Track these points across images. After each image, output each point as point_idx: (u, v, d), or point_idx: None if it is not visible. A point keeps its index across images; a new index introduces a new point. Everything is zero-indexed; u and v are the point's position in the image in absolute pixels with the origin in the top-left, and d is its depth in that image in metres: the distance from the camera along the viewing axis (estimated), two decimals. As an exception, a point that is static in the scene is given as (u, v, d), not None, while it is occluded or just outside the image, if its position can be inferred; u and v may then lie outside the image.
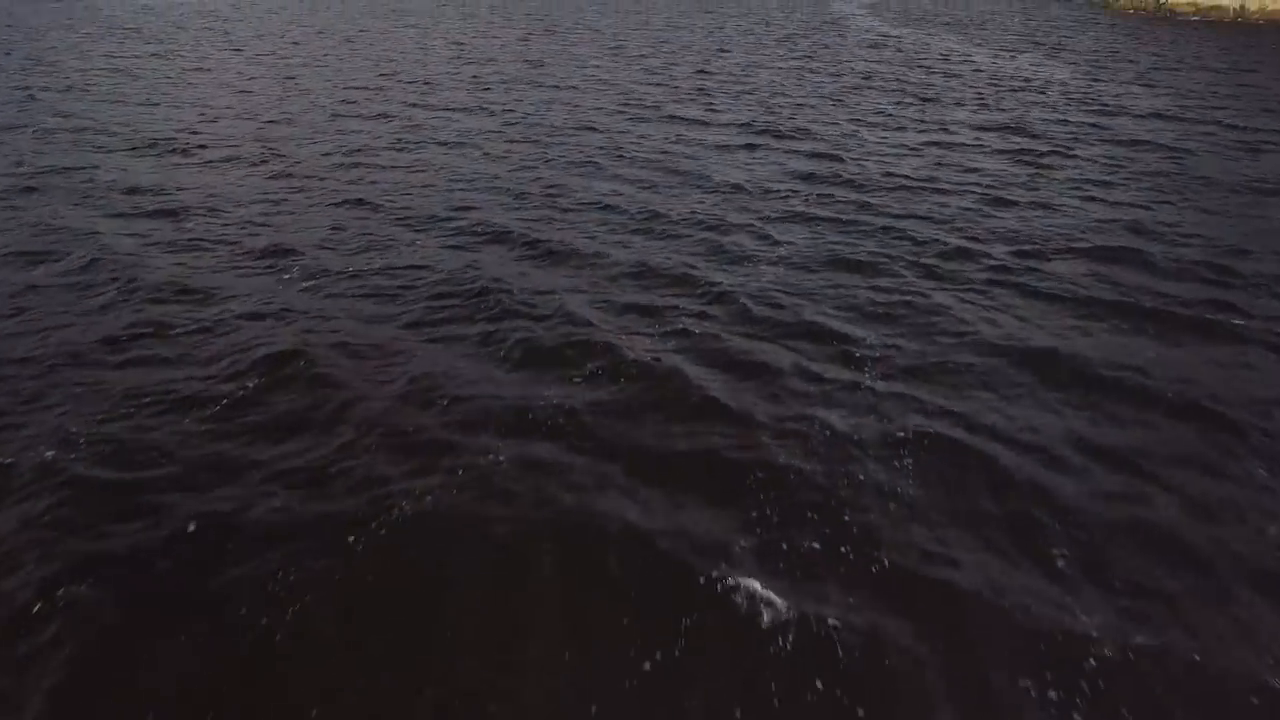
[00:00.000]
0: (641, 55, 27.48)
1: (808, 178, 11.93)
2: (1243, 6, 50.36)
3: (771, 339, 6.78)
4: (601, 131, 14.75)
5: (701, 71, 23.26)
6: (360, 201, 10.48)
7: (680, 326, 6.90)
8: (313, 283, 7.83)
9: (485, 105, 17.55)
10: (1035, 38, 34.89)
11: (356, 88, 19.75)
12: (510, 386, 5.92)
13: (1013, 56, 27.64)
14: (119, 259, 8.25)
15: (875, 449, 5.21)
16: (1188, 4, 54.68)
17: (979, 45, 31.75)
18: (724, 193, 11.09)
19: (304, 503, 4.64)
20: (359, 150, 13.33)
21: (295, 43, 30.39)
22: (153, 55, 26.02)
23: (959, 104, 18.02)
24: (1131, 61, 26.57)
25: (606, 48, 30.09)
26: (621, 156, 12.99)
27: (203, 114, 16.29)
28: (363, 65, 24.01)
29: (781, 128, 15.38)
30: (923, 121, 16.09)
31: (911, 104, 18.08)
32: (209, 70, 22.73)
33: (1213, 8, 51.82)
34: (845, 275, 8.18)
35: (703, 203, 10.56)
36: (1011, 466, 5.06)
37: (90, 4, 51.08)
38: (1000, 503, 4.77)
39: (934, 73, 23.47)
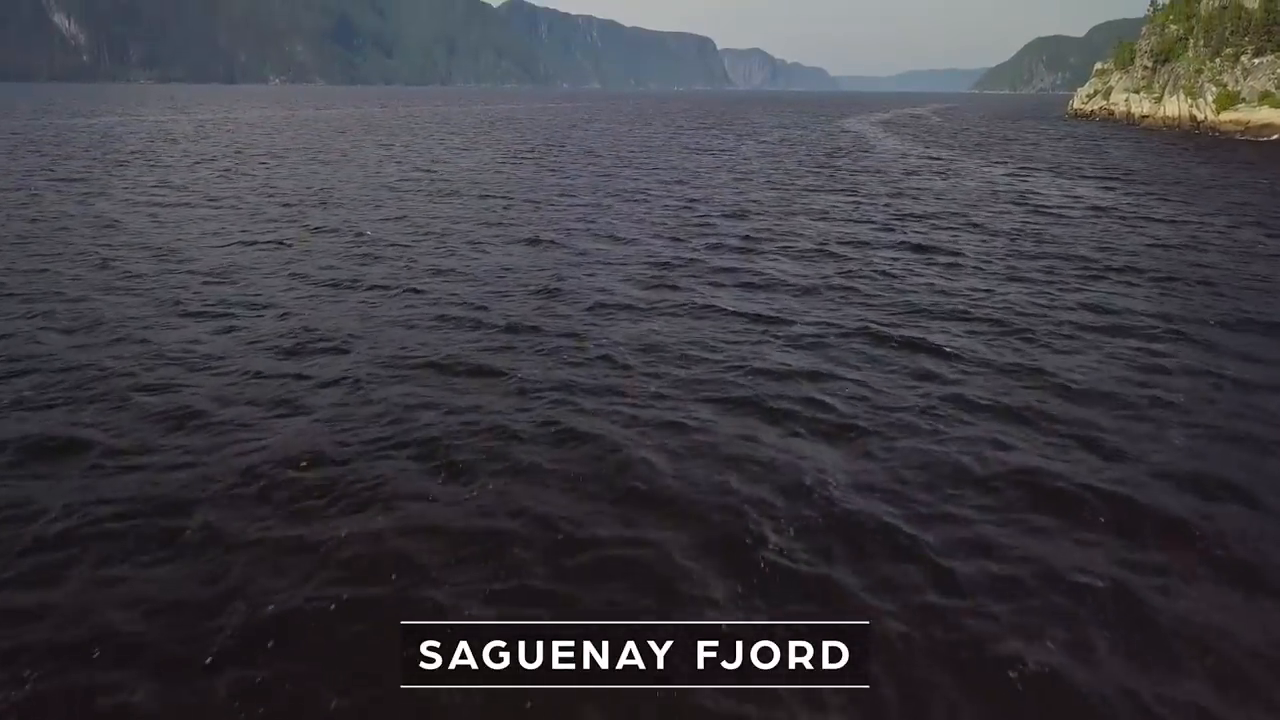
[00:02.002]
0: (645, 187, 22.28)
1: (1010, 467, 5.92)
2: (1295, 124, 46.35)
3: None
4: (594, 341, 8.73)
5: (730, 213, 17.83)
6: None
7: None
8: None
9: (434, 280, 11.86)
10: (1105, 165, 30.03)
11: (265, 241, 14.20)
12: None
13: (1120, 194, 22.34)
14: None
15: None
16: (1232, 121, 50.76)
17: (1054, 175, 26.67)
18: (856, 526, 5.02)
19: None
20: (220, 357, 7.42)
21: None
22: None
23: (1114, 272, 12.27)
24: (1251, 196, 21.34)
25: (599, 175, 25.02)
26: (628, 405, 7.04)
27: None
28: (292, 200, 18.67)
29: (880, 327, 9.42)
30: (1094, 306, 10.32)
31: (1055, 272, 12.30)
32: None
33: (1265, 125, 47.71)
34: None
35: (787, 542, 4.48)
36: None
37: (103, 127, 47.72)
38: None
39: (1032, 210, 18.04)
